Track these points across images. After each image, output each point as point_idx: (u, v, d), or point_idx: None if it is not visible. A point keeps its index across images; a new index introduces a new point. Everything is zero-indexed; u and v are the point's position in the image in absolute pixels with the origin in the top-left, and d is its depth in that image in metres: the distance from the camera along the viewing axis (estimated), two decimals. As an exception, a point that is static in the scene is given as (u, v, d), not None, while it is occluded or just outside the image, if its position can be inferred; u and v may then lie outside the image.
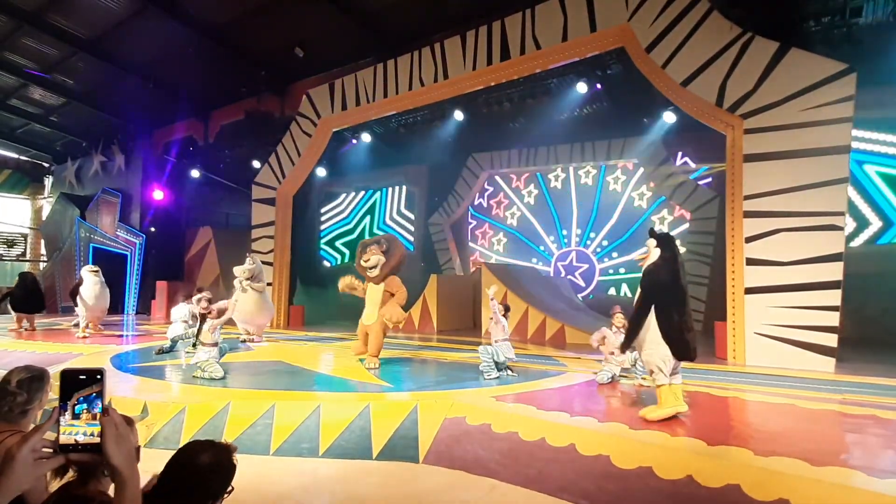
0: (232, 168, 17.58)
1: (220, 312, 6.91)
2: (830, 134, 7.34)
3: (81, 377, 1.14)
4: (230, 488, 1.65)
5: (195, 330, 8.67)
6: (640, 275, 4.86)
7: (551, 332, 11.31)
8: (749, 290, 7.75)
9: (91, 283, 11.12)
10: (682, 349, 4.53)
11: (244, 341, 10.25)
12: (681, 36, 8.43)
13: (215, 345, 6.75)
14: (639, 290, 4.78)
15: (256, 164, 15.64)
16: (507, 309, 6.99)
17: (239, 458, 1.76)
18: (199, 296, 8.02)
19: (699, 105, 8.54)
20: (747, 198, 7.89)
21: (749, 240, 7.82)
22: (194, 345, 7.74)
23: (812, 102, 7.45)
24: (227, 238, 18.14)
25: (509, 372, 6.74)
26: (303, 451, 4.68)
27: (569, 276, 16.94)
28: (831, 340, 7.21)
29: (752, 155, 7.90)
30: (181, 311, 9.15)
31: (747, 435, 4.22)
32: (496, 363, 6.61)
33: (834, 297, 7.20)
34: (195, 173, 17.80)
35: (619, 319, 6.40)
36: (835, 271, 7.21)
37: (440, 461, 4.43)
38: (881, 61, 8.82)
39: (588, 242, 16.88)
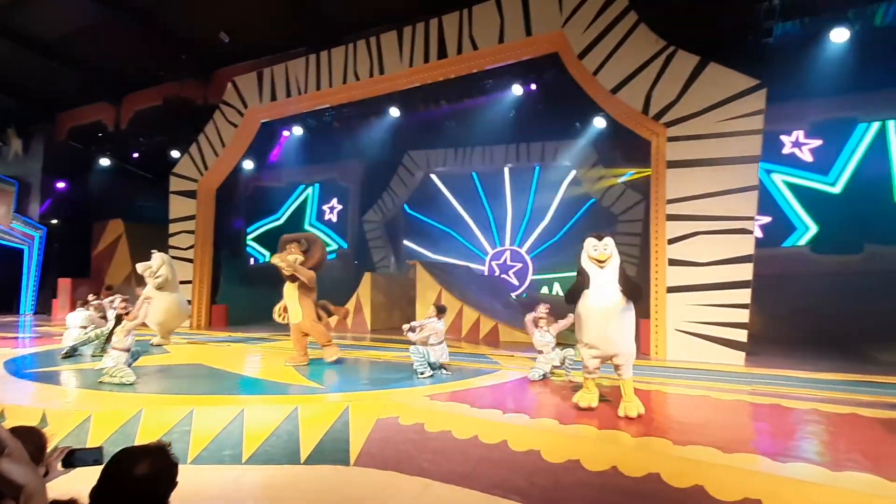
0: (147, 157, 16.38)
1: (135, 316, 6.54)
2: (742, 144, 7.91)
3: None
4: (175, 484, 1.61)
5: (100, 332, 7.99)
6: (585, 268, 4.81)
7: (485, 331, 11.44)
8: (671, 290, 8.20)
9: None
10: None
11: (157, 345, 9.53)
12: (611, 45, 8.77)
13: (128, 350, 6.21)
14: (619, 290, 4.64)
15: (175, 153, 14.65)
16: (441, 310, 6.94)
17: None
18: (116, 297, 7.46)
19: (627, 112, 8.93)
20: (670, 202, 8.35)
21: (671, 241, 8.28)
22: (103, 349, 7.14)
23: (727, 114, 8.01)
24: (141, 232, 16.90)
25: (444, 371, 6.71)
26: (224, 458, 4.41)
27: (503, 275, 17.25)
28: (742, 336, 7.78)
29: (674, 161, 8.36)
30: (78, 316, 8.39)
31: (667, 426, 4.42)
32: (429, 363, 6.56)
33: (744, 295, 7.77)
34: (105, 161, 16.41)
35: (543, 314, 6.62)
36: (745, 272, 7.78)
37: (372, 463, 4.33)
38: (789, 78, 9.64)
39: (522, 242, 17.26)
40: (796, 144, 12.52)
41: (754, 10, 8.52)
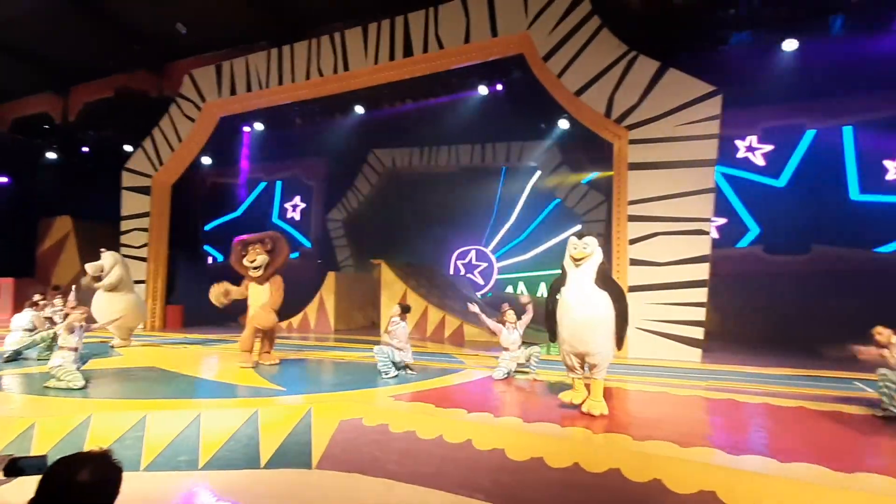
0: (98, 151, 15.64)
1: (90, 320, 6.30)
2: (699, 148, 8.17)
3: None
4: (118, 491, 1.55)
5: (46, 334, 7.59)
6: (564, 267, 4.80)
7: (450, 330, 11.45)
8: (632, 289, 8.37)
9: None
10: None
11: (115, 347, 9.12)
12: (575, 48, 8.90)
13: (75, 349, 5.91)
14: (606, 288, 4.65)
15: (128, 147, 14.03)
16: (405, 309, 6.87)
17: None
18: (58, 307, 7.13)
19: (590, 115, 9.08)
20: (631, 203, 8.53)
21: (632, 241, 8.46)
22: (50, 347, 6.79)
23: (685, 119, 8.25)
24: (91, 229, 16.13)
25: (409, 371, 6.66)
26: (180, 464, 4.24)
27: (468, 275, 17.29)
28: (699, 333, 8.03)
29: (635, 164, 8.55)
30: (23, 318, 7.93)
31: (627, 422, 4.51)
32: (394, 363, 6.49)
33: (701, 294, 8.03)
34: (51, 155, 15.56)
35: (511, 316, 6.65)
36: (702, 272, 8.04)
37: (335, 465, 4.25)
38: (743, 85, 10.00)
39: (487, 242, 17.35)
40: (750, 149, 13.02)
41: (711, 18, 8.81)
